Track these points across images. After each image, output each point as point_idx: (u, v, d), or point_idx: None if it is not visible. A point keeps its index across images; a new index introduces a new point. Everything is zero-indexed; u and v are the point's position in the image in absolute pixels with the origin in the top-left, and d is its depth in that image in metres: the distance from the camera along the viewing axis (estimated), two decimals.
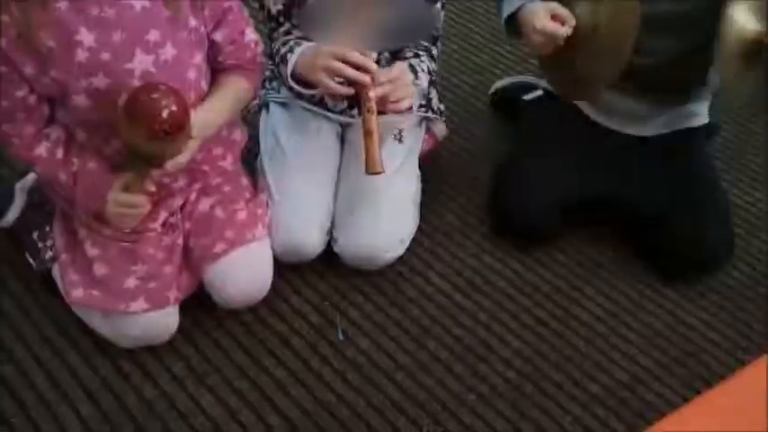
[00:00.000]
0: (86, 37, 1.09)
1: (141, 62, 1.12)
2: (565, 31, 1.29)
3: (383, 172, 1.28)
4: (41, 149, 1.19)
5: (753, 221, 1.63)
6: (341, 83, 1.29)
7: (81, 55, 1.09)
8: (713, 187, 1.52)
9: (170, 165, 1.14)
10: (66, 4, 1.08)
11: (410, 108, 1.36)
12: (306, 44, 1.34)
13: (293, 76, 1.35)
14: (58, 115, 1.20)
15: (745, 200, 1.67)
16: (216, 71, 1.26)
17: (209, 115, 1.21)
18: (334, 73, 1.27)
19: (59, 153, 1.20)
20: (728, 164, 1.75)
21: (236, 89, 1.27)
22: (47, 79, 1.12)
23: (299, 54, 1.33)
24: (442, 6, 1.44)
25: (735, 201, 1.64)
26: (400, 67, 1.35)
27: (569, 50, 1.32)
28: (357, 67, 1.26)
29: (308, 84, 1.35)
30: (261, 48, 1.29)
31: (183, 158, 1.15)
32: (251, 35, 1.26)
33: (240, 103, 1.31)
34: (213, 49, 1.23)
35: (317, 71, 1.29)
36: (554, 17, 1.30)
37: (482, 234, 1.53)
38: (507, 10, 1.40)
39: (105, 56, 1.10)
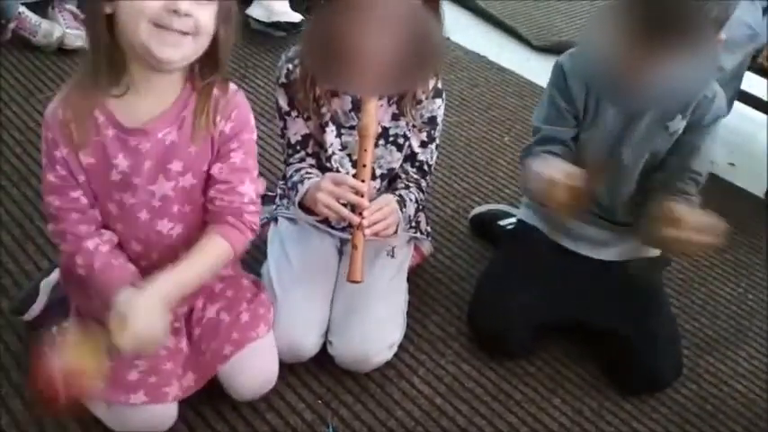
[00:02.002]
0: (122, 162, 1.27)
1: (162, 187, 1.30)
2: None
3: (362, 281, 1.44)
4: (89, 243, 1.29)
5: (699, 345, 1.79)
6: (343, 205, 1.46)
7: (115, 176, 1.27)
8: (664, 313, 1.69)
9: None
10: (113, 132, 1.26)
11: (395, 232, 1.53)
12: (315, 179, 1.52)
13: (300, 204, 1.54)
14: None
15: (693, 325, 1.84)
16: (206, 213, 1.34)
17: (183, 276, 1.27)
18: (336, 196, 1.45)
19: (105, 249, 1.30)
20: (679, 292, 1.94)
21: (215, 256, 1.31)
22: (90, 188, 1.29)
23: (307, 187, 1.52)
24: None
25: (683, 326, 1.81)
26: (386, 198, 1.53)
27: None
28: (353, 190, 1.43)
29: (312, 210, 1.53)
30: (256, 209, 1.34)
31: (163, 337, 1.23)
32: (249, 189, 1.32)
33: (218, 267, 1.34)
34: (208, 183, 1.32)
35: (321, 192, 1.46)
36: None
37: (461, 344, 1.68)
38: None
39: (135, 180, 1.28)
